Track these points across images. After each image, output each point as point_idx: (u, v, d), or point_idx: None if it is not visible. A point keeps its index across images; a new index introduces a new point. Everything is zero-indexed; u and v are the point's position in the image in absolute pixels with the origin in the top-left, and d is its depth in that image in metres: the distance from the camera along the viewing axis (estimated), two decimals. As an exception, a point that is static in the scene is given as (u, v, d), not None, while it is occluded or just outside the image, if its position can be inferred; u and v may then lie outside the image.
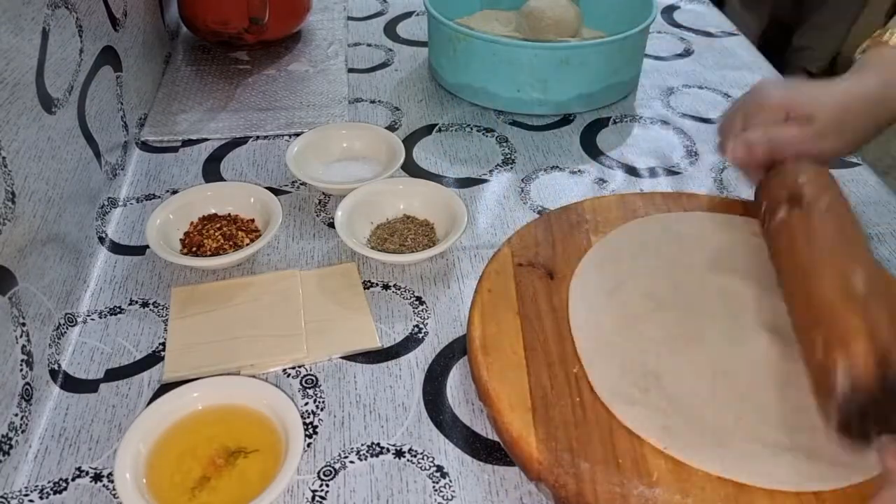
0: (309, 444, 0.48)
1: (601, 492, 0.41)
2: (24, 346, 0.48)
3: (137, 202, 0.69)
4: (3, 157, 0.47)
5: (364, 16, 1.03)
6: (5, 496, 0.44)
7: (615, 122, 0.80)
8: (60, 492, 0.45)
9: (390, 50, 0.94)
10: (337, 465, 0.47)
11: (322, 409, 0.50)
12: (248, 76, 0.87)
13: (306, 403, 0.51)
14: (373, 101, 0.84)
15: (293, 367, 0.53)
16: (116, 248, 0.63)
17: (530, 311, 0.51)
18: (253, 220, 0.63)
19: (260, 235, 0.62)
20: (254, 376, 0.51)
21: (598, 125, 0.80)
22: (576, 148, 0.76)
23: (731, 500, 0.40)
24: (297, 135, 0.75)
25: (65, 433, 0.49)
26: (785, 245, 0.50)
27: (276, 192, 0.67)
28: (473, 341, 0.49)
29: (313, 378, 0.52)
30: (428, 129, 0.79)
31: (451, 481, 0.46)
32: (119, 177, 0.70)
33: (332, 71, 0.88)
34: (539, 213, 0.67)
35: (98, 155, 0.64)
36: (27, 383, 0.48)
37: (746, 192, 0.70)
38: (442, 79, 0.85)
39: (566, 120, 0.80)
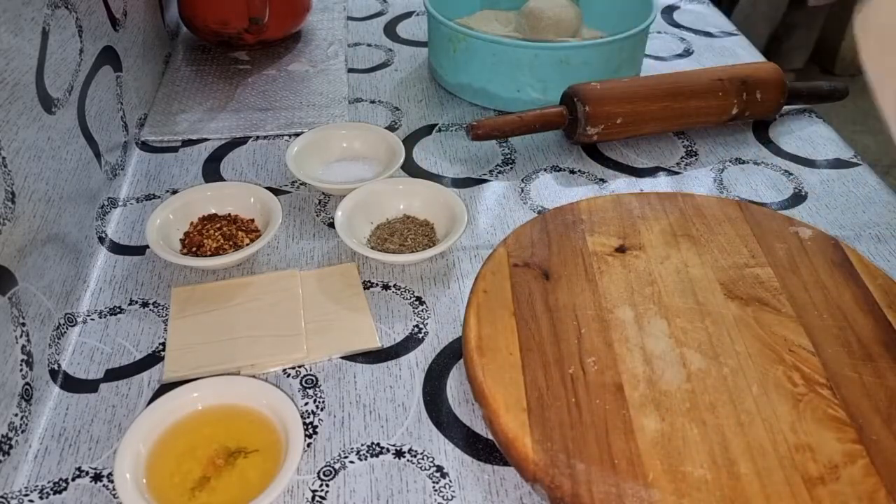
0: (309, 444, 0.48)
1: (597, 493, 0.41)
2: (24, 346, 0.48)
3: (137, 202, 0.69)
4: (3, 157, 0.47)
5: (364, 16, 1.03)
6: (5, 496, 0.45)
7: (615, 122, 0.80)
8: (60, 492, 0.45)
9: (390, 50, 0.94)
10: (337, 465, 0.47)
11: (322, 409, 0.50)
12: (248, 76, 0.87)
13: (306, 403, 0.51)
14: (373, 101, 0.84)
15: (293, 367, 0.53)
16: (116, 248, 0.63)
17: (526, 312, 0.51)
18: (253, 220, 0.64)
19: (260, 235, 0.62)
20: (254, 376, 0.51)
21: (597, 125, 0.80)
22: (575, 148, 0.76)
23: (727, 500, 0.41)
24: (297, 135, 0.75)
25: (65, 433, 0.49)
26: None
27: (276, 192, 0.67)
28: (469, 342, 0.49)
29: (313, 378, 0.52)
30: (428, 129, 0.79)
31: (451, 481, 0.46)
32: (119, 177, 0.70)
33: (332, 71, 0.88)
34: (539, 213, 0.67)
35: (98, 155, 0.64)
36: (27, 383, 0.48)
37: (745, 192, 0.70)
38: (442, 79, 0.85)
39: (566, 120, 0.80)
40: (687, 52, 0.94)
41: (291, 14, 0.92)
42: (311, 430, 0.49)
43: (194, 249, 0.60)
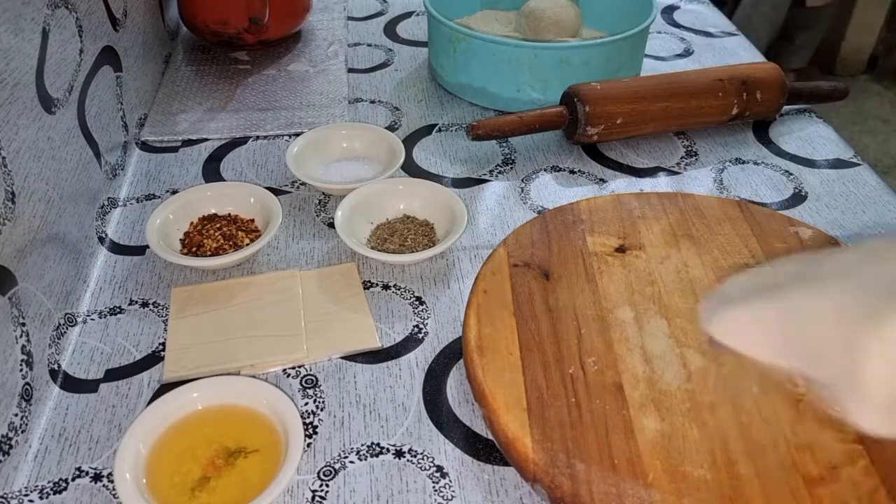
0: (309, 444, 0.48)
1: (597, 492, 0.41)
2: (23, 346, 0.48)
3: (137, 202, 0.69)
4: (3, 157, 0.47)
5: (364, 16, 1.03)
6: (5, 496, 0.45)
7: (615, 122, 0.80)
8: (60, 492, 0.45)
9: (390, 50, 0.94)
10: (337, 465, 0.47)
11: (322, 409, 0.50)
12: (248, 76, 0.87)
13: (306, 403, 0.51)
14: (373, 101, 0.84)
15: (293, 367, 0.53)
16: (116, 248, 0.63)
17: (526, 312, 0.51)
18: (253, 220, 0.64)
19: (260, 235, 0.62)
20: (254, 376, 0.51)
21: (597, 125, 0.80)
22: (575, 148, 0.76)
23: (727, 500, 0.40)
24: (297, 135, 0.75)
25: (65, 433, 0.49)
26: None
27: (276, 192, 0.67)
28: (469, 342, 0.49)
29: (313, 378, 0.52)
30: (428, 129, 0.79)
31: (451, 481, 0.46)
32: (119, 177, 0.70)
33: (332, 71, 0.88)
34: (539, 213, 0.67)
35: (98, 155, 0.64)
36: (27, 383, 0.48)
37: (745, 192, 0.70)
38: (442, 79, 0.85)
39: (566, 120, 0.80)
40: (687, 52, 0.94)
41: (291, 14, 0.92)
42: (311, 430, 0.49)
43: (194, 249, 0.60)
